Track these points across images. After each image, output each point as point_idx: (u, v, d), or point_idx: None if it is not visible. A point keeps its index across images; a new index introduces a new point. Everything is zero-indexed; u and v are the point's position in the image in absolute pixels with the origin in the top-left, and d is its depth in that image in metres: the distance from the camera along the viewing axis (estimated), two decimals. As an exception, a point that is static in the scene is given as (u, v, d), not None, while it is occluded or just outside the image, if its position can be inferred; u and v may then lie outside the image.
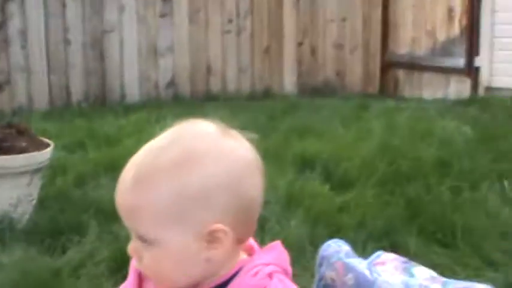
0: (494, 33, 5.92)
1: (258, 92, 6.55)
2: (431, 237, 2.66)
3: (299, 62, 6.81)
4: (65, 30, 5.76)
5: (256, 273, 1.08)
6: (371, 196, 3.10)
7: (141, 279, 1.19)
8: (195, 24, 6.27)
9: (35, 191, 2.83)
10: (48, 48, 5.68)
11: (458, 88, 6.24)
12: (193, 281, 1.10)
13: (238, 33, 6.48)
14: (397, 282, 1.96)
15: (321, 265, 1.97)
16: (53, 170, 3.29)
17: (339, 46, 6.90)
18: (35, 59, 5.62)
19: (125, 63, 6.01)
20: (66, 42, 5.77)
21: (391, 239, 2.62)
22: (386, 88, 6.87)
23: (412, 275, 2.07)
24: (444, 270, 2.14)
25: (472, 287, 1.64)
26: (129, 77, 6.04)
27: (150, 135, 1.10)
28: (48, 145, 2.88)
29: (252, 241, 1.16)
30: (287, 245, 1.17)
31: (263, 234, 1.18)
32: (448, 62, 6.39)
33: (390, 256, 2.18)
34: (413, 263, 2.14)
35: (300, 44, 6.79)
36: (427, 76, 6.55)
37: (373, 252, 2.23)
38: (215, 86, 6.43)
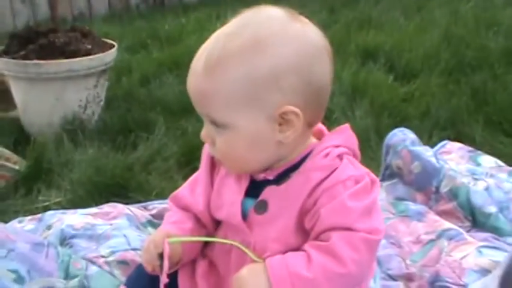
0: None
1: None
2: (497, 127, 2.62)
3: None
4: None
5: (327, 155, 1.10)
6: (435, 86, 3.06)
7: (213, 165, 1.24)
8: None
9: (102, 92, 2.89)
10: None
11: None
12: (265, 163, 1.13)
13: None
14: (463, 170, 1.98)
15: (387, 153, 2.00)
16: (118, 71, 3.36)
17: None
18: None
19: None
20: None
21: (456, 129, 2.60)
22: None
23: (478, 164, 2.09)
24: (510, 160, 2.13)
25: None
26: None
27: (211, 33, 1.11)
28: (112, 46, 2.91)
29: (321, 125, 1.18)
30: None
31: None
32: None
33: (456, 145, 2.20)
34: (479, 152, 2.15)
35: None
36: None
37: (438, 141, 2.26)
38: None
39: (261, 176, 1.15)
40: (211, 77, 1.05)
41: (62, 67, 2.66)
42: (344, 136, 1.16)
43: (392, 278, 1.54)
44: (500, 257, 1.49)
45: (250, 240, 1.15)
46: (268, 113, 1.06)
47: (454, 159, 2.10)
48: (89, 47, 2.81)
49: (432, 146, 2.15)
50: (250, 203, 1.15)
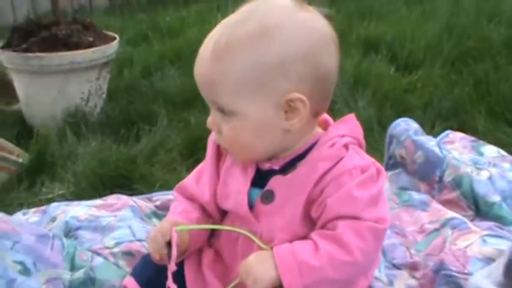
0: None
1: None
2: (499, 117, 2.63)
3: None
4: None
5: (333, 145, 1.11)
6: (438, 76, 3.06)
7: (219, 155, 1.24)
8: None
9: (104, 84, 2.89)
10: None
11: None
12: (271, 151, 1.14)
13: None
14: (466, 160, 1.98)
15: (390, 143, 2.00)
16: (120, 63, 3.36)
17: None
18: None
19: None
20: None
21: (459, 119, 2.60)
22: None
23: (481, 154, 2.09)
24: (513, 150, 2.13)
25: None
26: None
27: (213, 25, 1.12)
28: (114, 38, 2.91)
29: (326, 115, 1.18)
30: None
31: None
32: None
33: (458, 135, 2.20)
34: (481, 142, 2.15)
35: None
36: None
37: (441, 132, 2.26)
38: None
39: (266, 166, 1.16)
40: (219, 63, 1.06)
41: (64, 60, 2.66)
42: (350, 126, 1.17)
43: (397, 267, 1.54)
44: (504, 245, 1.50)
45: (257, 230, 1.16)
46: (275, 100, 1.06)
47: (456, 149, 2.10)
48: (91, 39, 2.81)
49: (435, 136, 2.16)
50: (257, 192, 1.16)
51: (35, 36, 2.76)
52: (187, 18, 4.46)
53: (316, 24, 1.09)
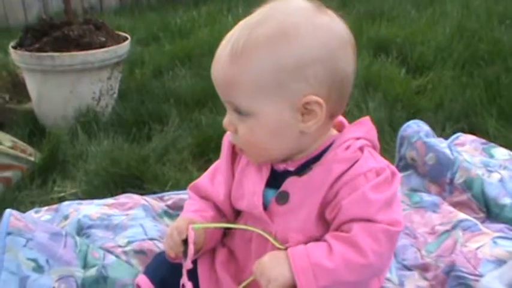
0: None
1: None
2: (510, 119, 2.62)
3: None
4: None
5: (348, 147, 1.11)
6: (449, 78, 3.06)
7: (234, 155, 1.25)
8: None
9: (115, 84, 2.91)
10: None
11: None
12: (287, 153, 1.14)
13: None
14: (477, 162, 1.97)
15: (401, 145, 2.01)
16: (131, 63, 3.38)
17: None
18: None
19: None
20: None
21: (469, 121, 2.60)
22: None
23: (491, 156, 2.09)
24: (524, 152, 2.12)
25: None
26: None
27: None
28: (125, 38, 2.93)
29: (341, 117, 1.19)
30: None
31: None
32: None
33: (469, 137, 2.20)
34: (492, 144, 2.15)
35: None
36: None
37: (452, 134, 2.26)
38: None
39: (281, 167, 1.16)
40: (237, 64, 1.06)
41: (76, 59, 2.68)
42: (365, 128, 1.17)
43: (408, 268, 1.54)
44: (515, 247, 1.50)
45: (271, 230, 1.16)
46: (292, 102, 1.07)
47: (467, 151, 2.10)
48: (103, 39, 2.83)
49: (445, 138, 2.16)
50: (271, 193, 1.16)
51: (47, 36, 2.77)
52: (198, 19, 4.47)
53: (335, 27, 1.10)
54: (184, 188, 1.84)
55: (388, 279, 1.45)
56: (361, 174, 1.09)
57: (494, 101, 2.76)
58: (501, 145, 2.18)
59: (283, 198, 1.14)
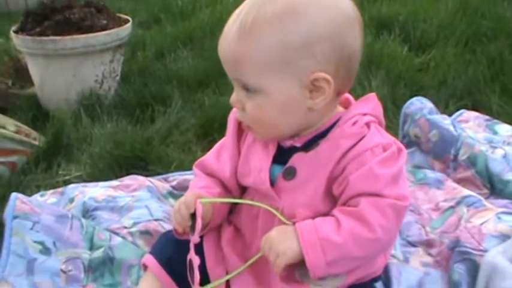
0: None
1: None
2: (514, 95, 2.62)
3: None
4: None
5: (355, 123, 1.12)
6: (451, 56, 3.04)
7: (240, 132, 1.25)
8: None
9: (118, 67, 2.90)
10: None
11: None
12: (294, 129, 1.15)
13: None
14: (480, 139, 1.98)
15: (404, 122, 2.01)
16: (133, 46, 3.36)
17: None
18: None
19: None
20: None
21: (473, 98, 2.59)
22: None
23: (495, 132, 2.09)
24: (527, 128, 2.12)
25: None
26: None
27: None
28: (127, 21, 2.92)
29: (347, 94, 1.19)
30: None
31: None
32: None
33: (473, 114, 2.20)
34: (495, 120, 2.15)
35: None
36: None
37: (455, 111, 2.25)
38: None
39: (288, 143, 1.17)
40: (245, 41, 1.07)
41: (79, 43, 2.67)
42: (371, 105, 1.18)
43: (412, 244, 1.55)
44: (520, 223, 1.51)
45: (278, 206, 1.17)
46: (300, 78, 1.07)
47: (471, 127, 2.10)
48: (105, 22, 2.82)
49: (449, 115, 2.16)
50: (278, 169, 1.17)
51: (48, 20, 2.77)
52: (199, 0, 4.44)
53: (342, 5, 1.11)
54: (189, 169, 1.86)
55: (393, 256, 1.46)
56: (368, 149, 1.10)
57: (497, 77, 2.75)
58: (504, 121, 2.18)
59: (290, 173, 1.15)
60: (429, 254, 1.51)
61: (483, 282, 1.35)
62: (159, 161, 2.12)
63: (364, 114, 1.15)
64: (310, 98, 1.09)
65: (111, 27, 2.80)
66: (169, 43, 3.47)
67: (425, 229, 1.60)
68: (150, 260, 1.29)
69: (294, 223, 1.12)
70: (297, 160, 1.15)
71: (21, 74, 2.97)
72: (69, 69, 2.73)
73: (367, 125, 1.13)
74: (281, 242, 1.08)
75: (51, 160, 2.23)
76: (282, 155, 1.17)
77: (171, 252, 1.26)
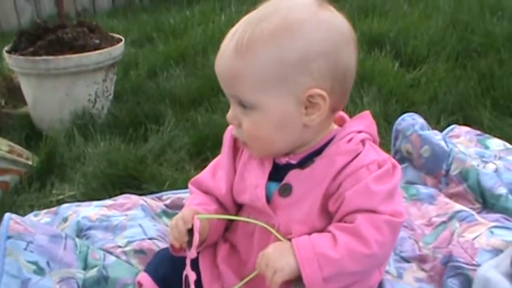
0: None
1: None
2: (505, 110, 2.64)
3: None
4: None
5: (350, 140, 1.13)
6: (442, 71, 3.07)
7: (235, 149, 1.26)
8: None
9: (110, 86, 2.91)
10: None
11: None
12: (290, 146, 1.16)
13: None
14: (472, 153, 1.99)
15: (396, 138, 2.02)
16: (125, 65, 3.38)
17: None
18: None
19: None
20: None
21: (464, 113, 2.61)
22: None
23: (486, 147, 2.10)
24: (518, 143, 2.14)
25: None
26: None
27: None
28: (119, 40, 2.93)
29: (342, 112, 1.21)
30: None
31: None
32: None
33: (464, 129, 2.22)
34: (487, 135, 2.16)
35: None
36: None
37: (446, 126, 2.27)
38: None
39: (284, 160, 1.18)
40: (242, 58, 1.08)
41: (71, 62, 2.68)
42: (366, 122, 1.19)
43: (406, 260, 1.56)
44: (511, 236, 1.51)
45: (274, 223, 1.18)
46: (296, 95, 1.09)
47: (462, 142, 2.11)
48: (97, 41, 2.83)
49: (440, 130, 2.17)
50: (274, 186, 1.18)
51: (41, 39, 2.78)
52: (191, 19, 4.46)
53: (337, 22, 1.12)
54: (182, 187, 1.86)
55: (387, 272, 1.46)
56: (364, 166, 1.11)
57: (488, 92, 2.78)
58: (496, 136, 2.19)
59: (286, 190, 1.16)
60: (423, 270, 1.51)
61: (476, 297, 1.35)
62: (152, 180, 2.13)
63: (359, 132, 1.16)
64: (305, 114, 1.11)
65: (104, 46, 2.81)
66: (162, 62, 3.49)
67: (419, 244, 1.61)
68: (144, 277, 1.29)
69: (289, 239, 1.12)
70: (292, 177, 1.16)
71: (14, 94, 2.98)
72: (62, 89, 2.73)
73: (362, 142, 1.15)
74: (278, 259, 1.09)
75: (45, 180, 2.24)
76: (277, 172, 1.18)
77: (166, 270, 1.26)
